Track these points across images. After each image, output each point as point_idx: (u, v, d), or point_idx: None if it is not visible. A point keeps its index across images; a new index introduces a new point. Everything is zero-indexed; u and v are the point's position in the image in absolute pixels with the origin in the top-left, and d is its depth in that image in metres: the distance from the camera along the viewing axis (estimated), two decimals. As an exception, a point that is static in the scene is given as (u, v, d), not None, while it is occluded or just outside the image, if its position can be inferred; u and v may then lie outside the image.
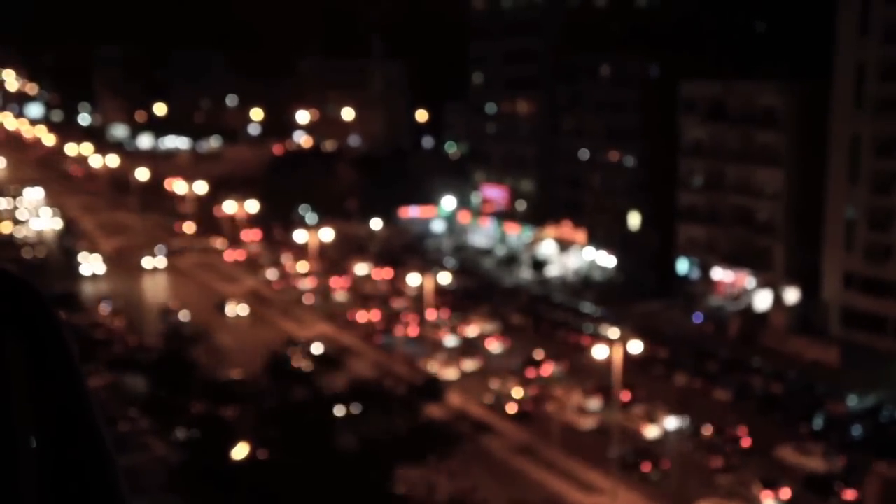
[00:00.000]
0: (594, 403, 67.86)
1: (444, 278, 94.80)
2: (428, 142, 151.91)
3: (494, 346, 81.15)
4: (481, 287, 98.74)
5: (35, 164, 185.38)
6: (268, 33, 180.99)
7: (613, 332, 76.81)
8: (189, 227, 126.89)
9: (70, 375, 2.21)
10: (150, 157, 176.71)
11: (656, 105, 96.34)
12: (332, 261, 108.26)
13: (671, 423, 65.24)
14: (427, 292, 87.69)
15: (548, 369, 74.07)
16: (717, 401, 69.71)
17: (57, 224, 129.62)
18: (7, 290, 2.18)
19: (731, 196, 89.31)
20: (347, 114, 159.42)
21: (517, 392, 69.56)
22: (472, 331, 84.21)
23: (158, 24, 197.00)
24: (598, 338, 77.42)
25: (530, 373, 73.37)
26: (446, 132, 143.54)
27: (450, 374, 75.06)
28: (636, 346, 70.13)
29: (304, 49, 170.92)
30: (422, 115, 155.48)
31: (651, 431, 64.59)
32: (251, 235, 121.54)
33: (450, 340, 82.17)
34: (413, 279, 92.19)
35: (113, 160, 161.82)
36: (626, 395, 68.00)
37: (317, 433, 53.56)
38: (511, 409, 68.65)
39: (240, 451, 52.36)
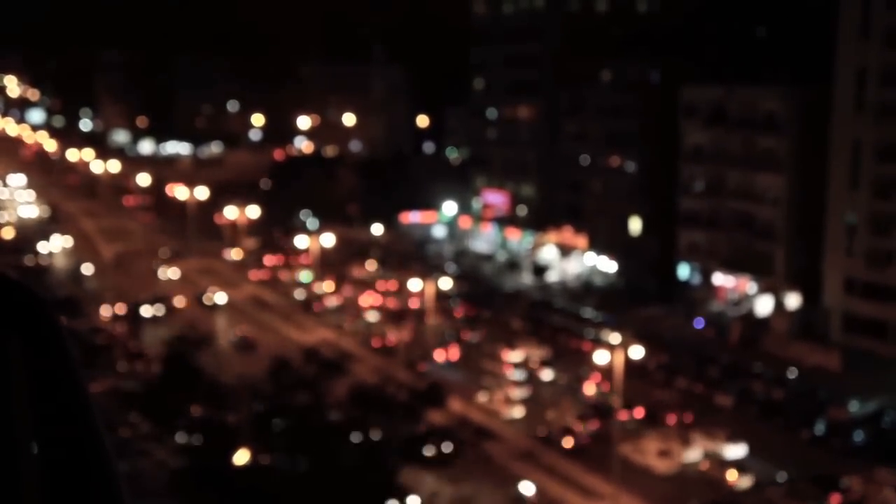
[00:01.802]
0: (694, 454, 60.40)
1: (446, 284, 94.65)
2: (429, 147, 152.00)
3: (546, 373, 73.87)
4: (482, 292, 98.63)
5: (76, 196, 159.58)
6: (269, 39, 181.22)
7: (614, 338, 76.74)
8: (238, 254, 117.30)
9: (71, 380, 2.21)
10: (152, 163, 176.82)
11: (657, 110, 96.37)
12: (358, 279, 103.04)
13: (733, 451, 60.01)
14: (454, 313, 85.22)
15: (640, 412, 66.39)
16: (719, 406, 69.59)
17: (44, 211, 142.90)
18: (8, 295, 2.18)
19: (731, 201, 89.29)
20: (348, 119, 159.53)
21: (577, 425, 64.39)
22: (516, 356, 78.03)
23: (160, 30, 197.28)
24: (599, 343, 77.31)
25: (623, 415, 65.39)
26: (447, 137, 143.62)
27: (515, 412, 68.71)
28: (637, 352, 70.05)
29: (305, 54, 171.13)
30: (423, 121, 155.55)
31: (742, 481, 57.76)
32: (305, 259, 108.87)
33: (516, 374, 72.74)
34: (414, 285, 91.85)
35: (114, 166, 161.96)
36: (671, 419, 63.95)
37: (318, 438, 53.53)
38: (567, 443, 63.31)
39: (241, 457, 52.36)
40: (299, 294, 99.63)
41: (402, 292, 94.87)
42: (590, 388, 71.27)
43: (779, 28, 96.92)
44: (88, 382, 2.29)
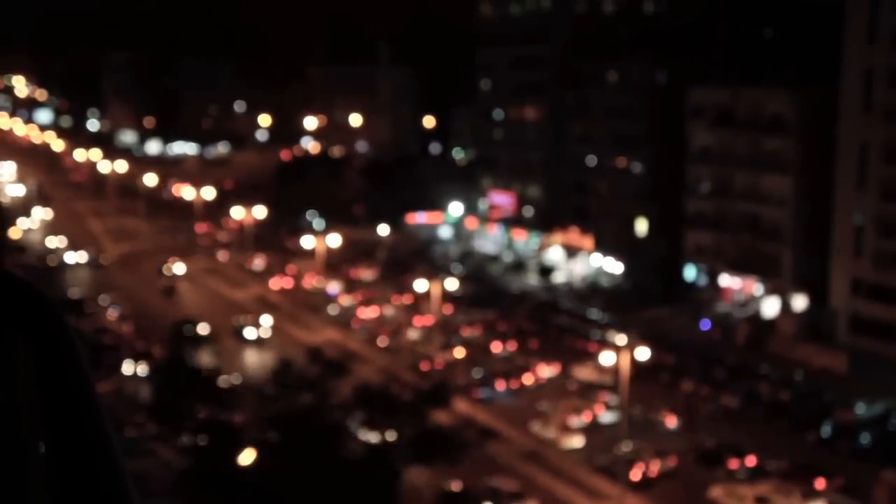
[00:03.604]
0: None
1: (452, 284, 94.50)
2: (435, 148, 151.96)
3: (606, 416, 67.09)
4: (489, 293, 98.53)
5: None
6: (276, 40, 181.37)
7: (620, 339, 76.65)
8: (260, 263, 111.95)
9: (78, 380, 2.22)
10: (159, 163, 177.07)
11: (664, 111, 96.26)
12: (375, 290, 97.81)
13: None
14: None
15: (752, 459, 60.14)
16: (725, 407, 69.42)
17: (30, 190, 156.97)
18: (16, 294, 2.19)
19: (738, 202, 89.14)
20: (355, 120, 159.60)
21: (653, 461, 59.43)
22: (547, 371, 74.89)
23: (167, 31, 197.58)
24: (606, 344, 77.25)
25: (734, 464, 59.88)
26: (453, 138, 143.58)
27: (574, 442, 64.16)
28: (643, 353, 69.93)
29: (311, 56, 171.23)
30: (429, 121, 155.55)
31: None
32: (362, 273, 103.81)
33: (607, 417, 66.92)
34: (420, 285, 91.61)
35: (121, 166, 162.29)
36: (820, 483, 57.53)
37: (323, 438, 53.54)
38: (635, 475, 58.86)
39: (246, 457, 52.40)
40: (333, 309, 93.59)
41: (429, 301, 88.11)
42: (671, 421, 66.05)
43: (785, 29, 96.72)
44: (96, 382, 2.30)
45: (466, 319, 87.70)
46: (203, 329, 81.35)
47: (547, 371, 75.31)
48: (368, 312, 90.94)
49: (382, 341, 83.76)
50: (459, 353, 78.82)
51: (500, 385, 73.29)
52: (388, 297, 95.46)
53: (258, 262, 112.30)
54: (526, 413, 68.33)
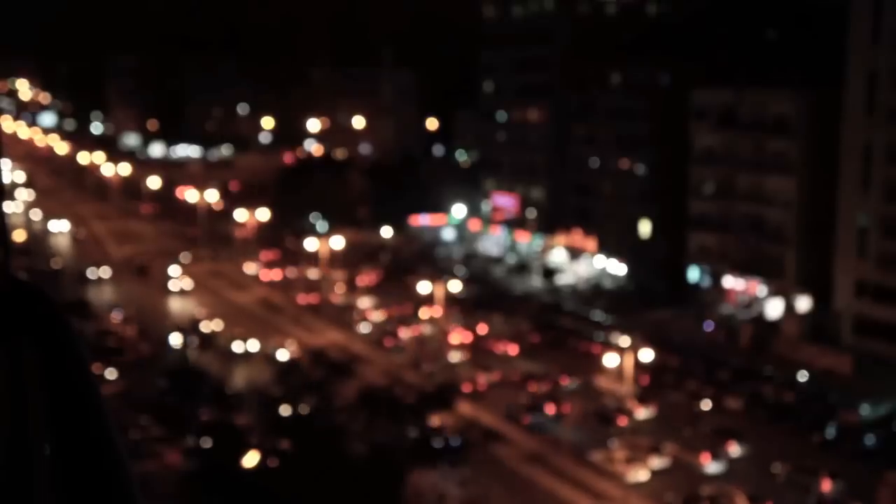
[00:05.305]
0: None
1: (455, 287, 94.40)
2: (438, 150, 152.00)
3: (711, 466, 60.64)
4: (492, 295, 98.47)
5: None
6: (279, 43, 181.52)
7: (624, 341, 76.60)
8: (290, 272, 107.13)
9: (83, 383, 2.23)
10: (162, 166, 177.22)
11: (667, 113, 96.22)
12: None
13: None
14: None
15: None
16: (728, 409, 69.31)
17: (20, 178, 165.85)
18: (21, 298, 2.20)
19: (742, 204, 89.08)
20: (358, 122, 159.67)
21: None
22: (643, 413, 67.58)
23: (171, 34, 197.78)
24: (609, 346, 77.16)
25: None
26: (457, 140, 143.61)
27: (640, 475, 59.70)
28: (647, 355, 69.82)
29: (314, 58, 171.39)
30: (432, 124, 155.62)
31: None
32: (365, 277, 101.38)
33: (712, 467, 60.49)
34: (423, 287, 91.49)
35: (125, 168, 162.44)
36: None
37: (327, 440, 53.53)
38: None
39: (250, 459, 52.43)
40: (365, 328, 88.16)
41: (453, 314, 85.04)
42: (826, 486, 57.85)
43: (789, 30, 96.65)
44: (99, 385, 2.31)
45: (495, 333, 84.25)
46: (105, 273, 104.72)
47: (645, 413, 67.70)
48: (408, 332, 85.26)
49: (428, 367, 77.71)
50: (534, 387, 72.30)
51: (550, 410, 68.20)
52: (418, 313, 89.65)
53: (287, 273, 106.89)
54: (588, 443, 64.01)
